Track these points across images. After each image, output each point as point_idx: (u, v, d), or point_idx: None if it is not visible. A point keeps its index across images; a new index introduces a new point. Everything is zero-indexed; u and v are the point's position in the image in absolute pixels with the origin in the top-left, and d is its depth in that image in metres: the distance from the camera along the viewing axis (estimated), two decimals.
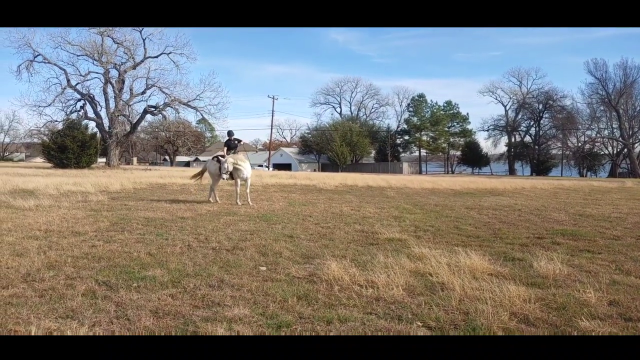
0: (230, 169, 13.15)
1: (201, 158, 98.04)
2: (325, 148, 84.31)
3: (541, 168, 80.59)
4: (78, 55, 49.56)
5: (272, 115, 77.61)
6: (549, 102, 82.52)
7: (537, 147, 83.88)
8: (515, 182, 30.11)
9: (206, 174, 14.92)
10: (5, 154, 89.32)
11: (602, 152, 79.15)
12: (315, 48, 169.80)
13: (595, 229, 9.87)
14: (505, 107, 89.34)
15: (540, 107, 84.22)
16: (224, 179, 13.35)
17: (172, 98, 50.55)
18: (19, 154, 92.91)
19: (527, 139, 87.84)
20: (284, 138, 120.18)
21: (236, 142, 14.43)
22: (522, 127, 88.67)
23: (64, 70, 49.37)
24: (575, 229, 9.86)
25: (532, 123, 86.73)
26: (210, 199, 14.07)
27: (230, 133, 14.35)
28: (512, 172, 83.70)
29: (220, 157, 13.70)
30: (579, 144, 79.77)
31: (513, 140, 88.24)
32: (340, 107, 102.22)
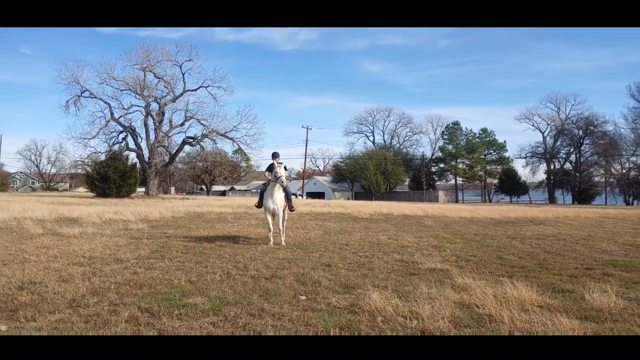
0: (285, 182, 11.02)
1: (237, 187, 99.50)
2: (359, 176, 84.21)
3: (583, 196, 77.74)
4: (122, 90, 51.88)
5: (306, 145, 78.65)
6: (590, 127, 79.88)
7: (578, 174, 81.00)
8: (557, 211, 29.23)
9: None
10: (51, 183, 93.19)
11: None
12: (348, 79, 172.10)
13: None
14: (543, 133, 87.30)
15: (580, 133, 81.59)
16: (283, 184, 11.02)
17: (210, 129, 52.03)
18: (63, 184, 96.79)
19: (567, 166, 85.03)
20: (317, 167, 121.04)
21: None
22: (561, 154, 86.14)
23: (108, 104, 51.73)
24: (627, 259, 9.42)
25: (572, 150, 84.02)
26: (271, 239, 11.22)
27: (274, 155, 11.31)
28: (552, 200, 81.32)
29: (272, 177, 11.14)
30: (624, 171, 76.87)
31: (552, 167, 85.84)
32: (373, 136, 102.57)
